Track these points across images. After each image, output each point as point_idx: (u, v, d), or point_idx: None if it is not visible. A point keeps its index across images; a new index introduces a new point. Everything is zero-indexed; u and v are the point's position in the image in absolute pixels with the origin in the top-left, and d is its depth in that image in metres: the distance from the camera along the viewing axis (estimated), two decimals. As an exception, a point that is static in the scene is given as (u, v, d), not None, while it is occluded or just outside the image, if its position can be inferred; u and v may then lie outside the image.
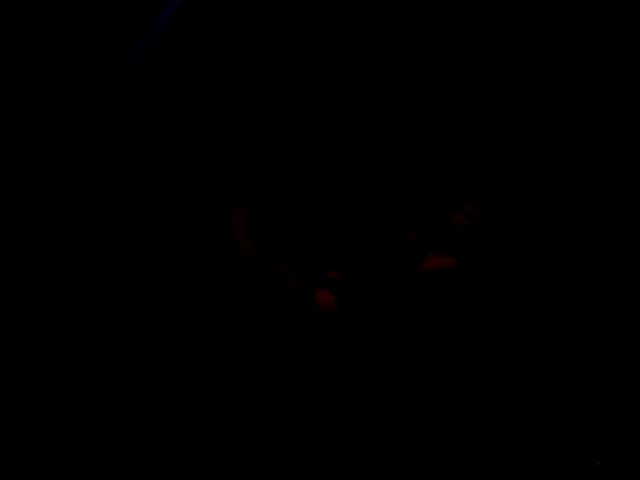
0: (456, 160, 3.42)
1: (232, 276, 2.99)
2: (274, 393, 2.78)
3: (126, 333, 3.42)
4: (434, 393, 3.24)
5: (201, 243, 3.50)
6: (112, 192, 3.46)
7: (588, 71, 3.46)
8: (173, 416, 3.30)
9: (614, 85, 3.44)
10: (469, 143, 3.51)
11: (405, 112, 3.18)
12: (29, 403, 3.36)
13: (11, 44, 3.18)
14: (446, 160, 3.31)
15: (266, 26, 3.27)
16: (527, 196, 3.11)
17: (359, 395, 2.80)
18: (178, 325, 3.48)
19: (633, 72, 3.42)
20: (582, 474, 3.22)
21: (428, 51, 3.16)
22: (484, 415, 3.35)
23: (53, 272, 3.40)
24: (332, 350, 2.77)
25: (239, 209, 2.94)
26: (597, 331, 3.35)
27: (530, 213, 3.29)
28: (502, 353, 3.42)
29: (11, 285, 3.35)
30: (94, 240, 3.43)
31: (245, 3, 3.25)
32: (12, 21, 3.16)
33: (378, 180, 2.97)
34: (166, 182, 3.53)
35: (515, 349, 3.41)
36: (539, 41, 3.48)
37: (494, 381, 3.41)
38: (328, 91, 3.04)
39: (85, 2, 3.15)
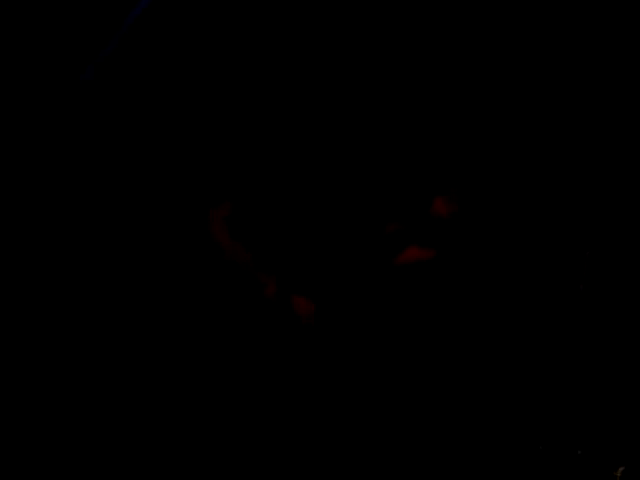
0: (434, 150, 3.40)
1: (210, 275, 2.95)
2: (252, 398, 2.75)
3: (99, 332, 3.40)
4: (419, 390, 3.22)
5: (180, 240, 3.47)
6: (86, 184, 3.43)
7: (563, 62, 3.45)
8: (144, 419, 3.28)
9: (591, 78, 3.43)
10: (446, 133, 3.49)
11: (381, 105, 3.15)
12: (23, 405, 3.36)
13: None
14: (423, 150, 3.29)
15: (247, 18, 3.25)
16: (506, 186, 3.09)
17: (343, 399, 2.78)
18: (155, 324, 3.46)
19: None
20: (565, 464, 3.22)
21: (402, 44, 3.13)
22: (468, 412, 3.34)
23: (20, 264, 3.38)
24: (310, 353, 2.74)
25: (221, 204, 2.89)
26: (579, 323, 3.34)
27: (509, 204, 3.28)
28: (485, 347, 3.40)
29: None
30: (66, 234, 3.41)
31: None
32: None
33: (356, 171, 2.93)
34: (143, 174, 3.50)
35: (498, 342, 3.40)
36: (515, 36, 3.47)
37: (477, 376, 3.39)
38: (305, 86, 3.00)
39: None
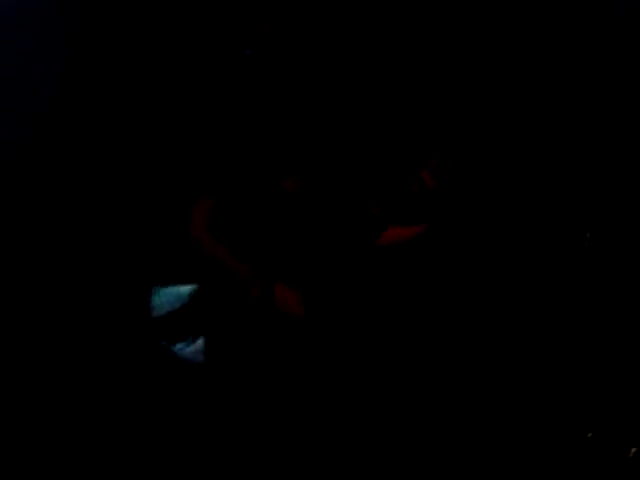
0: (413, 120, 3.37)
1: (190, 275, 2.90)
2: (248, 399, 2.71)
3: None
4: (411, 380, 3.19)
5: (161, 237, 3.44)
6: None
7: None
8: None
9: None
10: (424, 109, 3.46)
11: (359, 84, 3.13)
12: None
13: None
14: (401, 122, 3.26)
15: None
16: (498, 156, 3.05)
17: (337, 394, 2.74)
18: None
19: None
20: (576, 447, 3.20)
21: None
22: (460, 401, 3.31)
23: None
24: (301, 349, 2.69)
25: (203, 200, 2.82)
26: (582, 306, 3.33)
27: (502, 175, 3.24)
28: (482, 330, 3.38)
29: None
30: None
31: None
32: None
33: (334, 154, 2.90)
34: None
35: (495, 326, 3.37)
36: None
37: (469, 362, 3.37)
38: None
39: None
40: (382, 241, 2.76)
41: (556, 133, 3.32)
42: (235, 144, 2.82)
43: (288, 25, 3.00)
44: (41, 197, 3.42)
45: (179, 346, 2.67)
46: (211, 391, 2.75)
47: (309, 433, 2.64)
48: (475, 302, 3.35)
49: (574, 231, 3.18)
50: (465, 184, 2.73)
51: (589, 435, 3.16)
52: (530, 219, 3.35)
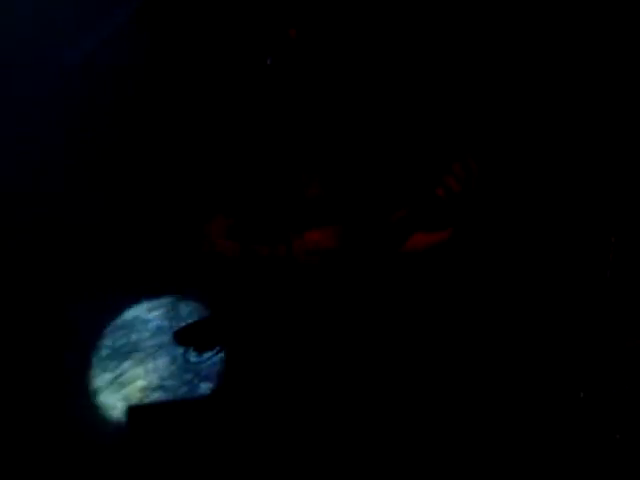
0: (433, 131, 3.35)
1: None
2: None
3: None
4: (423, 378, 3.18)
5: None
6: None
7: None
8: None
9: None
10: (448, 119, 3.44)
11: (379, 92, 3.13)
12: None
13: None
14: (422, 133, 3.25)
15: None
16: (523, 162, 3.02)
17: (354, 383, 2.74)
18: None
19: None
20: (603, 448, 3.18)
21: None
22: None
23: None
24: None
25: (217, 217, 2.83)
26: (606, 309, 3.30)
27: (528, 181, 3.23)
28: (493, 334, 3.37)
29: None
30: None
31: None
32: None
33: (359, 165, 2.89)
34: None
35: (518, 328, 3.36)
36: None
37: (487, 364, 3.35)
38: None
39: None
40: (407, 247, 2.75)
41: (580, 135, 3.30)
42: (255, 151, 2.82)
43: (318, 31, 2.98)
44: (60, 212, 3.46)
45: (207, 355, 2.70)
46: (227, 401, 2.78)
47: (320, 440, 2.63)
48: (499, 307, 3.34)
49: (599, 235, 3.17)
50: (490, 187, 2.71)
51: (617, 436, 3.16)
52: (555, 223, 3.33)
